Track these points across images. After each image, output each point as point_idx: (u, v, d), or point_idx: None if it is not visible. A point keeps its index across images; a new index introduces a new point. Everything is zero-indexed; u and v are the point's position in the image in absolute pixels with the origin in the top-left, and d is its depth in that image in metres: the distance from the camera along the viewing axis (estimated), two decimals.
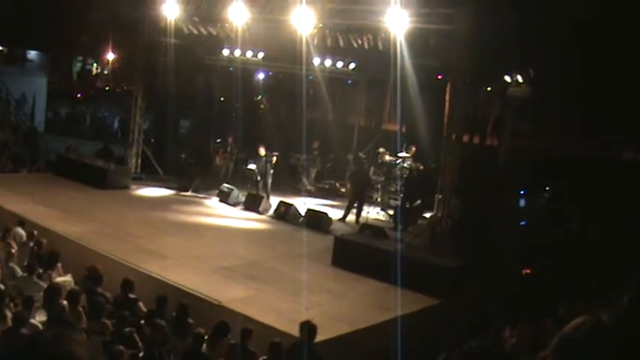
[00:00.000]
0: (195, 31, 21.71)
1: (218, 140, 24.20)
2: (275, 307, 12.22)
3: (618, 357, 1.80)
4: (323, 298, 13.08)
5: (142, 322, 10.58)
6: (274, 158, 21.68)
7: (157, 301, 11.19)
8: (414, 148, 21.06)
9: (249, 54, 22.48)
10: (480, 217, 17.54)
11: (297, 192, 23.12)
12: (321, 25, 18.88)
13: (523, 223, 19.64)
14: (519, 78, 19.55)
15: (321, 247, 16.33)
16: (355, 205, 20.20)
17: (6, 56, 39.68)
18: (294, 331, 10.62)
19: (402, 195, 20.44)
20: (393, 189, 21.79)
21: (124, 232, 16.05)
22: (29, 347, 1.94)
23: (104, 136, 29.76)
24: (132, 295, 11.53)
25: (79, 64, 47.06)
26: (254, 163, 21.79)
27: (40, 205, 17.36)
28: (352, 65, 22.13)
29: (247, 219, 19.45)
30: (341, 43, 18.99)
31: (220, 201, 20.97)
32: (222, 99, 26.95)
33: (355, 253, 15.12)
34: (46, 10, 32.44)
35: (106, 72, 44.77)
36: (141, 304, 11.46)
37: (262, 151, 21.41)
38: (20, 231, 14.36)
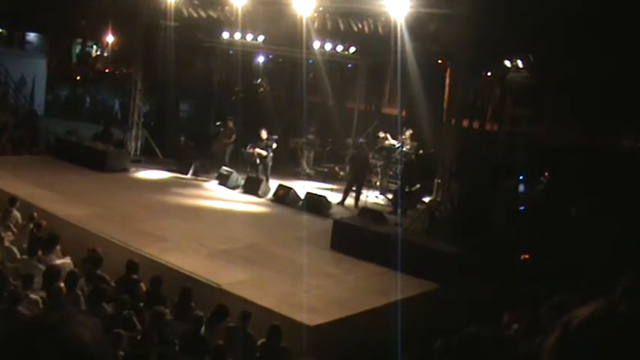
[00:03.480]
0: (195, 14, 21.65)
1: (217, 123, 24.17)
2: (274, 290, 12.27)
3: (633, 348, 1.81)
4: (322, 282, 13.13)
5: (142, 305, 10.63)
6: (274, 144, 21.64)
7: (150, 281, 11.22)
8: (410, 132, 21.09)
9: (249, 37, 22.42)
10: (479, 202, 17.57)
11: (297, 175, 23.14)
12: (321, 9, 18.83)
13: (522, 208, 19.66)
14: (519, 63, 19.53)
15: (320, 230, 16.36)
16: (353, 188, 20.23)
17: (5, 39, 39.54)
18: (293, 314, 10.70)
19: (401, 179, 20.45)
20: (392, 173, 21.81)
21: (123, 215, 16.08)
22: (31, 329, 1.94)
23: (104, 118, 29.70)
24: (135, 276, 11.59)
25: (78, 47, 46.87)
26: (254, 146, 21.78)
27: (39, 187, 17.36)
28: (352, 49, 22.08)
29: (246, 202, 19.47)
30: (341, 27, 18.96)
31: (219, 184, 20.99)
32: (221, 82, 26.91)
33: (354, 237, 15.16)
34: None
35: (105, 54, 44.61)
36: (142, 284, 11.52)
37: (264, 135, 21.42)
38: (15, 212, 14.37)
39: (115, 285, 11.42)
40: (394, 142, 21.62)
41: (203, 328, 9.87)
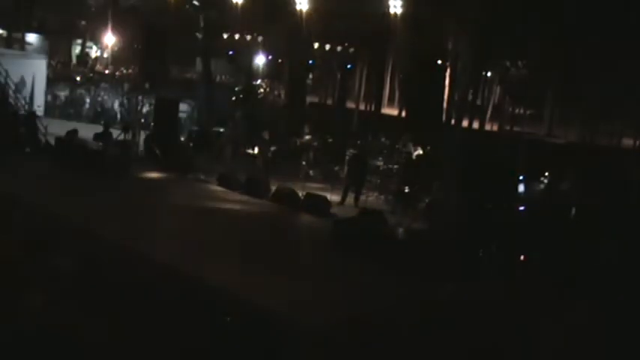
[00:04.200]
0: (195, 14, 21.68)
1: (218, 124, 24.17)
2: (273, 290, 12.24)
3: None
4: (322, 282, 13.11)
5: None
6: (273, 148, 21.67)
7: None
8: (409, 134, 21.13)
9: (249, 37, 22.45)
10: (478, 202, 17.56)
11: (296, 175, 23.12)
12: (320, 9, 18.86)
13: (522, 208, 19.65)
14: (519, 63, 19.58)
15: (319, 230, 16.36)
16: (353, 189, 20.24)
17: (5, 40, 39.60)
18: (294, 314, 10.68)
19: (401, 179, 20.46)
20: (392, 173, 21.82)
21: (123, 215, 16.07)
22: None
23: (104, 119, 29.73)
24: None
25: (78, 48, 46.99)
26: (256, 146, 21.80)
27: (39, 188, 17.37)
28: (351, 50, 22.12)
29: (247, 202, 19.46)
30: (341, 27, 18.99)
31: (220, 184, 20.98)
32: (221, 82, 26.95)
33: (354, 237, 15.15)
34: None
35: (105, 55, 44.66)
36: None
37: (266, 135, 21.45)
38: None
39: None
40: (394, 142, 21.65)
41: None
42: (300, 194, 19.42)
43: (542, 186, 20.37)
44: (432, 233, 16.44)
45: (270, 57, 27.00)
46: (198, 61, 26.70)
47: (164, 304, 10.59)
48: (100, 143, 22.62)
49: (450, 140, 17.30)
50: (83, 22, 43.39)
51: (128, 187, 19.59)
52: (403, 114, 22.26)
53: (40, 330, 9.14)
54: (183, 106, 28.51)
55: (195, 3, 21.25)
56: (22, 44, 39.53)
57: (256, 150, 21.59)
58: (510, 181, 19.96)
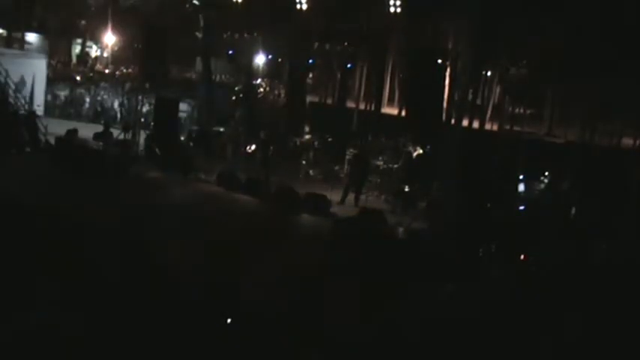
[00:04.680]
0: (195, 14, 21.70)
1: (218, 123, 24.16)
2: (273, 290, 12.25)
3: None
4: (324, 283, 13.11)
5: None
6: (272, 147, 21.67)
7: None
8: (409, 134, 21.14)
9: (248, 37, 22.47)
10: (478, 201, 17.58)
11: (296, 175, 23.13)
12: (321, 10, 18.88)
13: (522, 208, 19.67)
14: (519, 63, 19.59)
15: (319, 230, 16.36)
16: (353, 188, 20.26)
17: (5, 39, 39.62)
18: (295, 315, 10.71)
19: (401, 179, 20.47)
20: (392, 173, 21.83)
21: (122, 215, 16.07)
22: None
23: (104, 119, 29.75)
24: None
25: (78, 47, 47.02)
26: (254, 146, 21.80)
27: (38, 188, 17.37)
28: (351, 49, 22.13)
29: (246, 202, 19.47)
30: (341, 27, 19.01)
31: (219, 184, 20.98)
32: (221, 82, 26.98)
33: (354, 237, 15.15)
34: None
35: (105, 55, 44.67)
36: None
37: (266, 135, 21.46)
38: None
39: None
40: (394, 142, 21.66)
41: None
42: (301, 194, 19.41)
43: (542, 186, 20.38)
44: (432, 233, 16.45)
45: (270, 57, 26.98)
46: (198, 61, 26.72)
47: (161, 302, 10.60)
48: (100, 143, 22.64)
49: (450, 140, 17.27)
50: (83, 22, 43.40)
51: (127, 188, 19.59)
52: (403, 114, 22.22)
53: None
54: (183, 106, 28.50)
55: (196, 3, 21.23)
56: (22, 44, 39.58)
57: (256, 149, 21.59)
58: (510, 181, 20.02)
